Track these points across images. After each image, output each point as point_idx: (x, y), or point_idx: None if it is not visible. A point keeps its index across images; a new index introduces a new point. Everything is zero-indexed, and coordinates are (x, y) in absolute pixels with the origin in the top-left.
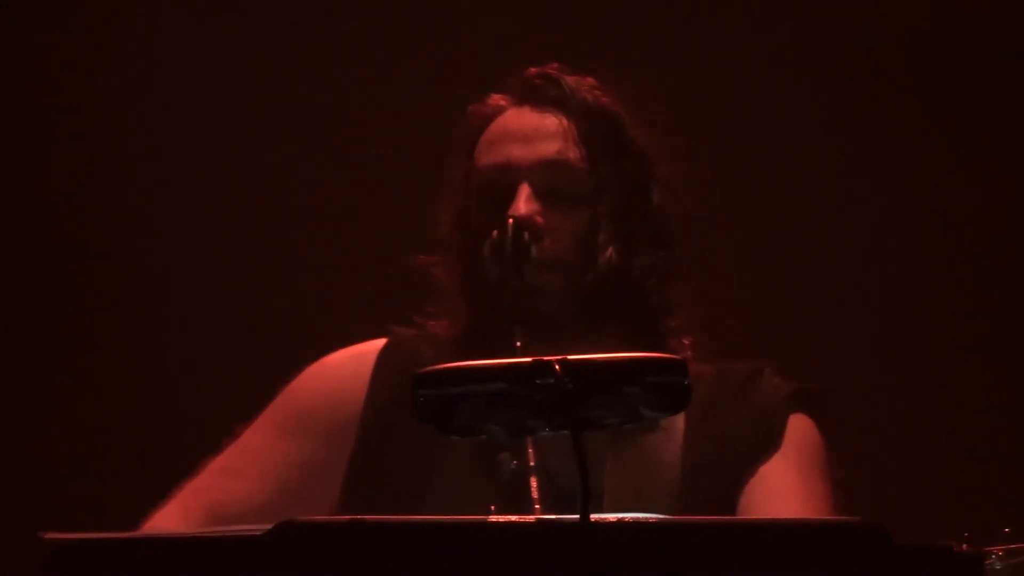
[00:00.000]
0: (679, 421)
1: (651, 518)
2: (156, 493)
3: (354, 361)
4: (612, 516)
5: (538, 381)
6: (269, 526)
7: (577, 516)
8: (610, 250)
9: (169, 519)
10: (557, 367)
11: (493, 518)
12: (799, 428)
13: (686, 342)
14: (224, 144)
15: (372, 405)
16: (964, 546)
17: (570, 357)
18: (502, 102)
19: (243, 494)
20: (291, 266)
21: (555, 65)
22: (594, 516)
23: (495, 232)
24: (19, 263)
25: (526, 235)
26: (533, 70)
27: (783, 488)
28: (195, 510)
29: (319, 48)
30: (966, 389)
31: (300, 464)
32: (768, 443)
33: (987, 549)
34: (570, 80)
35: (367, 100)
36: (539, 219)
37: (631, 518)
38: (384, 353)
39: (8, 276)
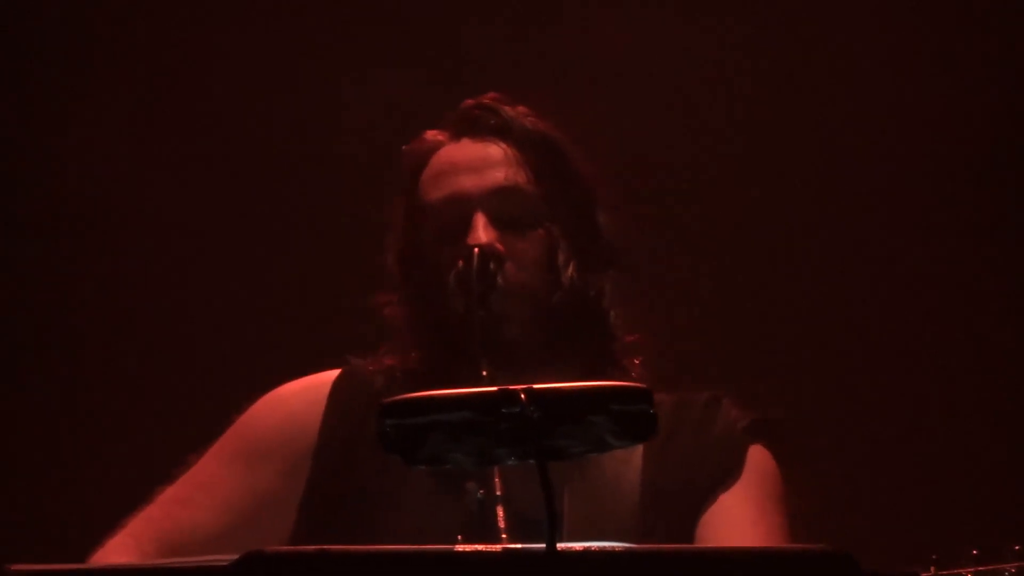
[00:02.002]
0: (637, 450)
1: (617, 547)
2: (106, 521)
3: (308, 392)
4: (579, 545)
5: (504, 410)
6: (233, 556)
7: (543, 545)
8: (571, 269)
9: (120, 549)
10: (523, 396)
11: (460, 547)
12: (757, 459)
13: (636, 362)
14: (182, 174)
15: (327, 435)
16: (932, 568)
17: (536, 386)
18: (439, 136)
19: (195, 524)
20: (246, 296)
21: (491, 95)
22: (561, 545)
23: (460, 262)
24: None
25: (491, 264)
26: (469, 101)
27: (740, 519)
28: (146, 541)
29: (286, 71)
30: (927, 414)
31: (252, 494)
32: (726, 474)
33: (959, 571)
34: (507, 109)
35: (322, 137)
36: (499, 246)
37: (598, 547)
38: (338, 384)
39: None
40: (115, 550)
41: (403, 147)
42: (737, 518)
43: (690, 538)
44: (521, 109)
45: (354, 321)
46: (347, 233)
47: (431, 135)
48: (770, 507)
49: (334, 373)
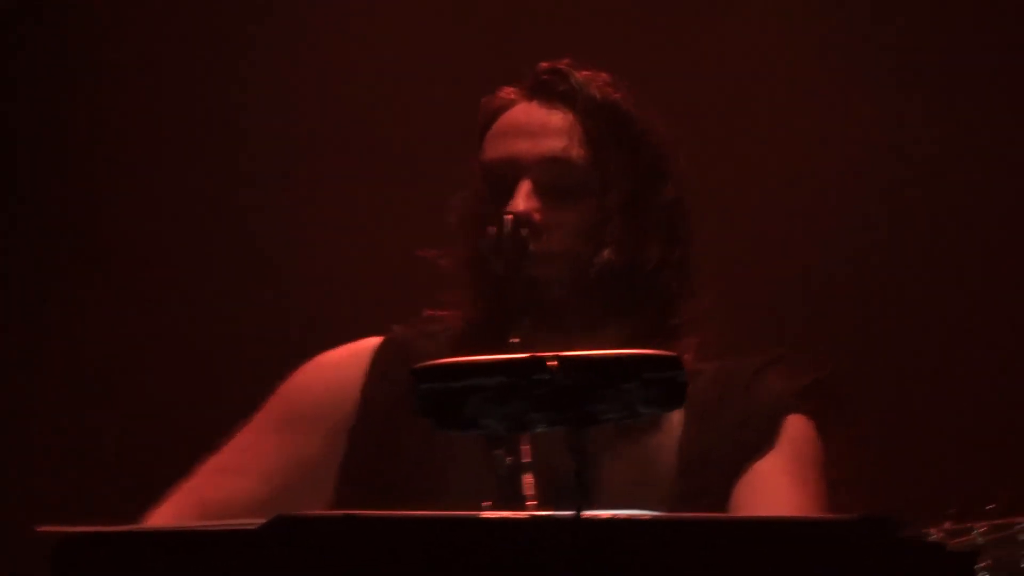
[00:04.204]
0: (678, 417)
1: (644, 515)
2: (150, 492)
3: (350, 358)
4: (605, 512)
5: (536, 376)
6: (261, 520)
7: (571, 512)
8: (617, 242)
9: (164, 519)
10: (555, 362)
11: (486, 513)
12: (794, 428)
13: (693, 341)
14: (220, 139)
15: (367, 402)
16: (948, 524)
17: (568, 353)
18: (512, 95)
19: (237, 492)
20: (287, 265)
21: (566, 60)
22: (587, 512)
23: (492, 228)
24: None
25: (524, 231)
26: (544, 64)
27: (774, 487)
28: (189, 510)
29: (316, 39)
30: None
31: (294, 461)
32: (762, 442)
33: (971, 524)
34: (580, 75)
35: (368, 92)
36: (537, 216)
37: (625, 514)
38: (380, 350)
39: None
40: (159, 520)
41: (482, 99)
42: (770, 487)
43: (725, 506)
44: (600, 76)
45: (396, 287)
46: (387, 199)
47: (505, 92)
48: (805, 477)
49: (376, 340)
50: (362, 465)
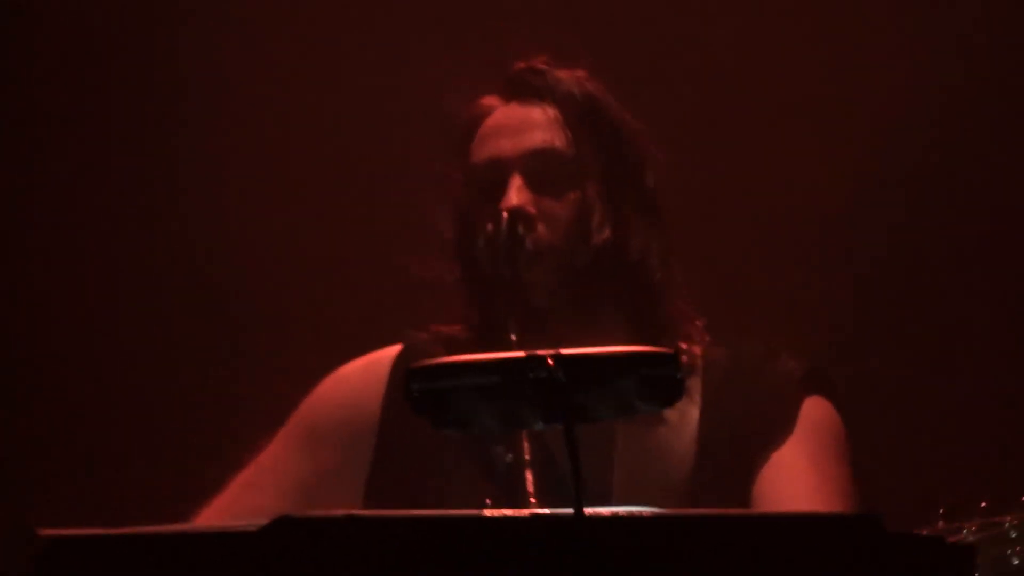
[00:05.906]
0: (694, 407)
1: (645, 512)
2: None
3: (369, 370)
4: (606, 510)
5: (531, 374)
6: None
7: (571, 510)
8: (605, 231)
9: None
10: (550, 360)
11: (487, 512)
12: (813, 411)
13: (699, 324)
14: (229, 147)
15: (390, 412)
16: (940, 522)
17: (563, 351)
18: (493, 101)
19: (261, 508)
20: (307, 277)
21: (543, 58)
22: (588, 509)
23: (489, 226)
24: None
25: (520, 227)
26: (520, 64)
27: (795, 474)
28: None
29: (320, 49)
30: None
31: (318, 476)
32: (780, 428)
33: (962, 524)
34: (556, 71)
35: (372, 102)
36: (531, 209)
37: (625, 512)
38: (399, 359)
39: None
40: None
41: (462, 111)
42: (791, 474)
43: (745, 496)
44: (572, 72)
45: (417, 293)
46: (401, 206)
47: (485, 100)
48: (827, 461)
49: (395, 349)
50: (386, 475)
